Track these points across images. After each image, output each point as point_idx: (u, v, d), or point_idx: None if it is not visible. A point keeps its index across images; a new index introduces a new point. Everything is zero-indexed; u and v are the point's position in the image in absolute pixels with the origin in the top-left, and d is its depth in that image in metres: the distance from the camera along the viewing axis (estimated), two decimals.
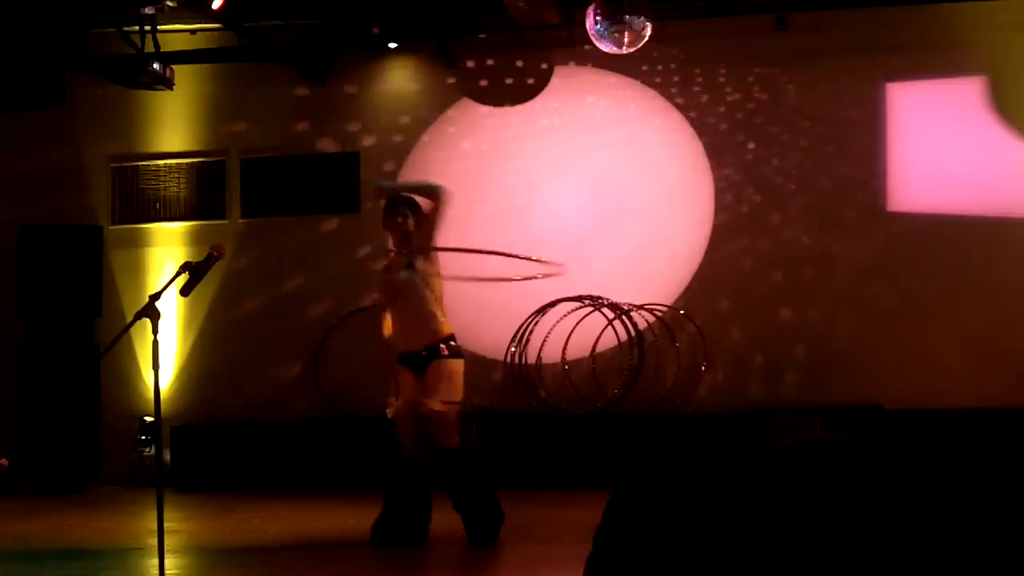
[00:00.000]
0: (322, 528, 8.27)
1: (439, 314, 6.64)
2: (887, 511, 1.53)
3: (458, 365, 6.67)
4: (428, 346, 6.59)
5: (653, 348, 11.06)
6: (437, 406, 6.50)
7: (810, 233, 11.26)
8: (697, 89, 11.53)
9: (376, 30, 11.12)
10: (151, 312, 4.90)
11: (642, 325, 11.04)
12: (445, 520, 6.84)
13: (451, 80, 11.90)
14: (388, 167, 11.83)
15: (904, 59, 11.10)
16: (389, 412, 6.71)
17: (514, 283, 11.29)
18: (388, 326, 6.79)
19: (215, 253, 5.26)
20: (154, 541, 5.28)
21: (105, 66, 10.59)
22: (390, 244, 7.15)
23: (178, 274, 5.06)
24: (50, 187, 12.24)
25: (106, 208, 12.35)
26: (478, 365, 11.29)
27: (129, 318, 5.10)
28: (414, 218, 6.73)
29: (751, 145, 11.41)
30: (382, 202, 7.08)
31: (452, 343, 6.67)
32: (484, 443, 10.63)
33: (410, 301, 6.60)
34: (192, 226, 12.19)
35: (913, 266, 11.00)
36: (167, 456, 11.22)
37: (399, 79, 12.06)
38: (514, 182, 11.70)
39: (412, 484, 6.69)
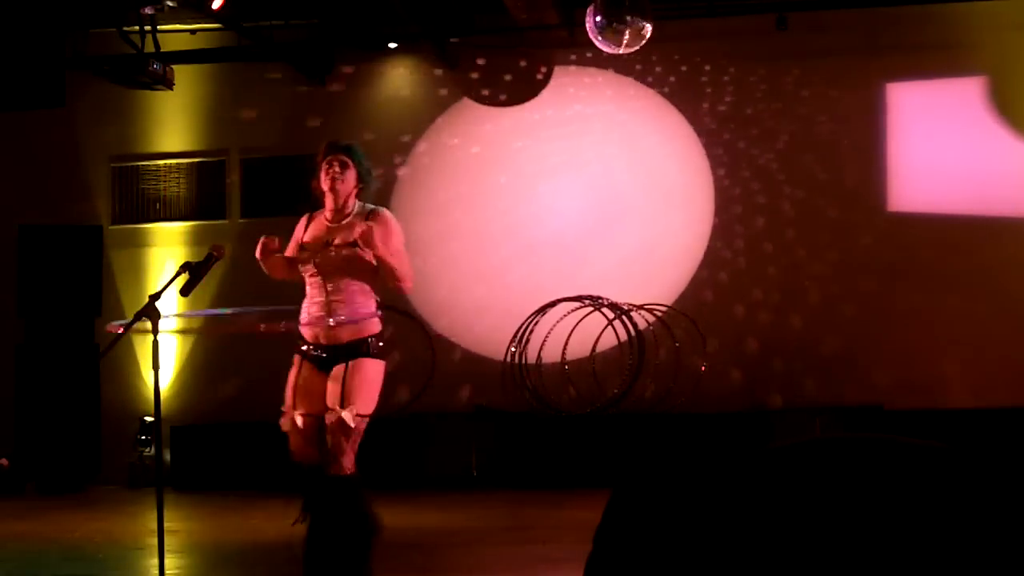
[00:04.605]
0: None
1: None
2: (887, 511, 1.53)
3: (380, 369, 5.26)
4: (352, 341, 5.16)
5: (653, 348, 11.05)
6: (350, 419, 5.09)
7: (810, 233, 11.26)
8: (697, 89, 11.53)
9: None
10: (151, 312, 4.89)
11: (642, 325, 11.04)
12: (445, 520, 6.83)
13: (451, 80, 11.90)
14: (388, 167, 11.83)
15: (904, 59, 11.10)
16: (287, 424, 5.46)
17: (514, 283, 11.30)
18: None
19: (215, 253, 5.24)
20: (154, 541, 5.27)
21: (105, 66, 10.59)
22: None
23: (178, 274, 5.05)
24: (50, 187, 12.24)
25: (106, 208, 12.35)
26: (478, 365, 11.30)
27: (129, 318, 5.08)
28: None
29: (751, 145, 11.41)
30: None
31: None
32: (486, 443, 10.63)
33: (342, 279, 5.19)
34: (192, 226, 12.19)
35: (913, 266, 11.00)
36: (167, 456, 11.21)
37: (399, 79, 12.06)
38: (514, 182, 11.70)
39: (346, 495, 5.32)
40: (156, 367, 4.91)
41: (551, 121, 11.70)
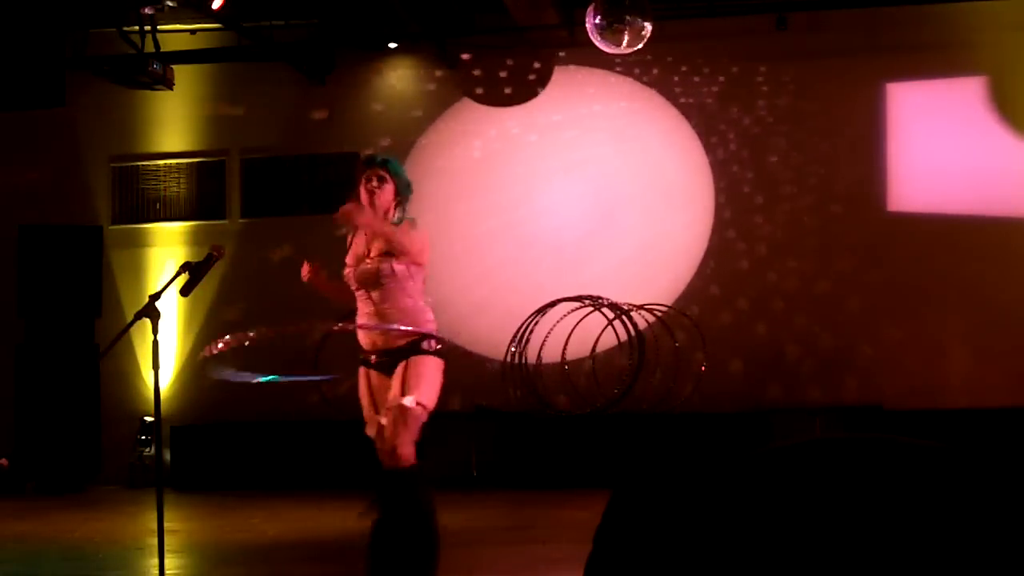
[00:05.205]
0: (322, 528, 8.28)
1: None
2: (887, 511, 1.53)
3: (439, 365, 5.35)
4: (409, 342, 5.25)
5: (653, 348, 11.05)
6: (410, 403, 5.14)
7: (810, 233, 11.26)
8: (697, 89, 11.53)
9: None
10: (151, 312, 4.89)
11: (642, 325, 11.04)
12: (445, 520, 6.81)
13: (451, 80, 11.90)
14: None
15: (904, 59, 11.10)
16: (373, 430, 5.30)
17: (513, 283, 11.30)
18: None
19: (215, 253, 5.24)
20: (154, 541, 5.28)
21: (105, 66, 10.59)
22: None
23: (178, 274, 5.05)
24: (50, 187, 12.24)
25: (106, 208, 12.35)
26: (478, 365, 11.29)
27: (129, 318, 5.08)
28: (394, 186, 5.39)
29: (751, 145, 11.41)
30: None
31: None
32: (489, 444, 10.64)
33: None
34: (192, 226, 12.19)
35: (913, 266, 11.00)
36: (167, 456, 11.21)
37: (399, 79, 12.06)
38: (514, 182, 11.70)
39: (416, 497, 5.26)
40: (156, 367, 4.92)
41: (551, 121, 11.70)
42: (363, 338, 5.34)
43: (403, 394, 5.14)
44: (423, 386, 5.19)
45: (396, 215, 5.36)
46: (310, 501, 9.74)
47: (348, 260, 5.41)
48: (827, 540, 1.54)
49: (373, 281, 5.25)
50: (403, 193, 5.40)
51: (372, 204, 5.32)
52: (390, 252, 5.21)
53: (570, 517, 7.69)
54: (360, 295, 5.34)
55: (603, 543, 1.68)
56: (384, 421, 5.22)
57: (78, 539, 8.01)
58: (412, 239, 5.26)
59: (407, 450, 5.14)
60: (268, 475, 10.95)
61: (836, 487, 1.56)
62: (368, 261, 5.29)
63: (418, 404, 5.14)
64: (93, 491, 11.28)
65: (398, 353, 5.22)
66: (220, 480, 10.98)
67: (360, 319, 5.35)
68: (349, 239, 5.52)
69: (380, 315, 5.26)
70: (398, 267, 5.22)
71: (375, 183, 5.33)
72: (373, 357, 5.32)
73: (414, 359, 5.20)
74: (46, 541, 7.87)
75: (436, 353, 5.26)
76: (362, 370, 5.40)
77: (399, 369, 5.23)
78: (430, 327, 5.31)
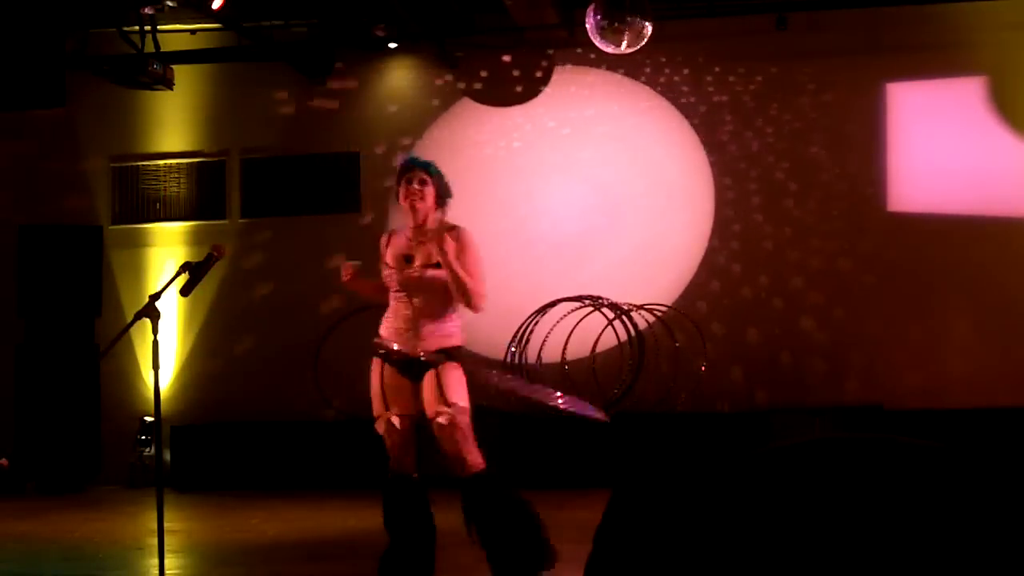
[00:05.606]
0: (322, 528, 8.28)
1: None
2: (887, 511, 1.53)
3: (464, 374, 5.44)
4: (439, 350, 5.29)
5: (653, 348, 11.05)
6: (459, 413, 5.23)
7: (810, 233, 11.26)
8: (697, 89, 11.53)
9: (382, 32, 11.03)
10: (151, 312, 4.89)
11: (642, 325, 11.03)
12: (445, 520, 6.80)
13: (451, 80, 11.90)
14: (388, 167, 11.84)
15: (904, 59, 11.10)
16: (382, 427, 5.34)
17: (514, 283, 11.30)
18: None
19: (215, 253, 5.24)
20: (154, 541, 5.28)
21: (105, 66, 10.59)
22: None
23: (178, 274, 5.05)
24: (50, 187, 12.24)
25: (106, 208, 12.35)
26: (478, 365, 11.28)
27: (129, 318, 5.08)
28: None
29: (751, 145, 11.42)
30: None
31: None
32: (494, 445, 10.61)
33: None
34: (192, 226, 12.19)
35: (913, 266, 11.00)
36: (167, 456, 11.21)
37: (399, 79, 12.06)
38: (514, 182, 11.70)
39: (416, 509, 5.46)
40: (156, 367, 4.92)
41: (551, 121, 11.71)
42: (392, 334, 5.32)
43: (442, 403, 5.19)
44: (459, 391, 5.29)
45: (436, 220, 5.35)
46: (310, 501, 9.74)
47: (388, 260, 5.37)
48: (827, 540, 1.54)
49: (416, 288, 5.27)
50: (444, 196, 5.40)
51: (413, 208, 5.30)
52: (436, 264, 5.22)
53: (570, 517, 7.68)
54: (398, 296, 5.33)
55: (603, 543, 1.69)
56: (396, 421, 5.28)
57: (78, 539, 8.01)
58: (462, 251, 5.28)
59: (475, 457, 5.33)
60: (268, 475, 10.95)
61: (836, 487, 1.56)
62: (414, 269, 5.27)
63: (461, 408, 5.27)
64: (93, 491, 11.28)
65: (427, 361, 5.25)
66: (220, 480, 10.98)
67: (392, 320, 5.34)
68: (385, 238, 5.47)
69: (414, 320, 5.27)
70: (441, 275, 5.23)
71: (416, 186, 5.31)
72: (395, 354, 5.29)
73: (443, 366, 5.26)
74: (46, 541, 7.87)
75: (458, 361, 5.36)
76: (377, 363, 5.37)
77: (429, 376, 5.25)
78: (459, 339, 5.37)
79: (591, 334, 11.02)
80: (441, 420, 5.18)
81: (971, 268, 10.88)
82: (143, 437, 11.64)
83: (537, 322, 11.07)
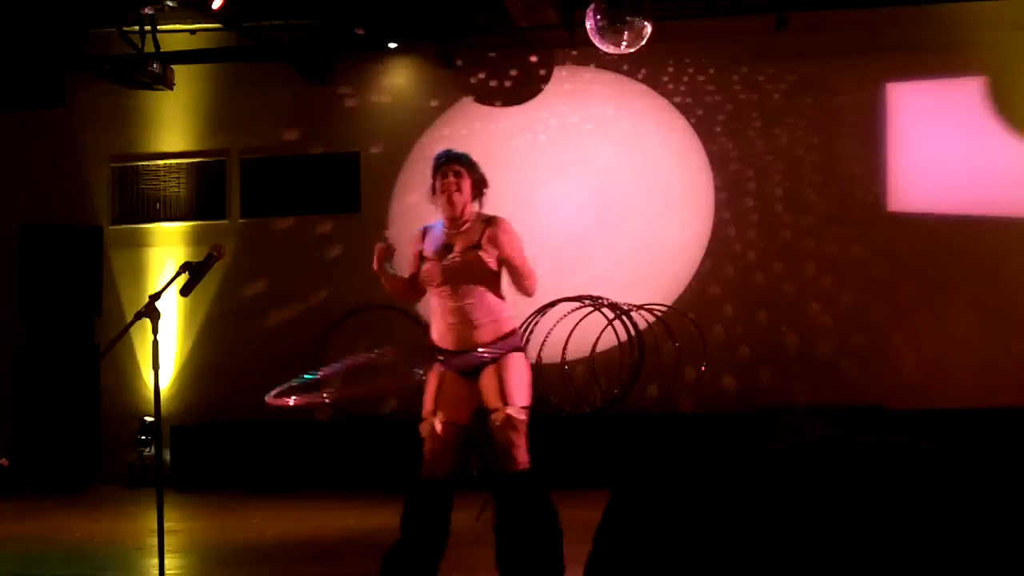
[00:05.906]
0: (322, 528, 8.28)
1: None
2: (886, 511, 1.53)
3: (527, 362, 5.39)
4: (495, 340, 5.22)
5: (653, 348, 11.05)
6: (517, 413, 5.21)
7: (810, 233, 11.26)
8: (696, 89, 11.53)
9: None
10: (151, 312, 4.89)
11: (642, 325, 11.04)
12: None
13: (451, 80, 11.90)
14: (388, 167, 11.84)
15: (904, 59, 11.10)
16: (426, 430, 5.24)
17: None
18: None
19: (215, 253, 5.24)
20: (154, 541, 5.28)
21: (105, 66, 10.59)
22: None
23: (178, 274, 5.05)
24: (50, 187, 12.24)
25: (106, 208, 12.35)
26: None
27: (129, 318, 5.08)
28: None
29: (750, 145, 11.41)
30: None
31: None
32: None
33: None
34: (192, 226, 12.19)
35: (913, 266, 11.00)
36: (167, 456, 11.21)
37: (399, 79, 12.06)
38: (514, 182, 11.68)
39: (436, 515, 5.32)
40: (156, 367, 4.91)
41: (551, 121, 11.71)
42: (444, 334, 5.21)
43: (502, 402, 5.16)
44: (520, 387, 5.25)
45: (472, 212, 5.30)
46: (310, 501, 9.74)
47: (427, 253, 5.26)
48: (827, 540, 1.54)
49: (460, 277, 5.15)
50: (480, 188, 5.38)
51: (451, 201, 5.25)
52: (476, 246, 5.15)
53: (570, 517, 7.68)
54: (441, 292, 5.19)
55: (603, 543, 1.69)
56: (439, 427, 5.20)
57: (78, 539, 8.01)
58: (508, 237, 5.22)
59: (523, 455, 5.31)
60: (268, 475, 10.95)
61: (836, 487, 1.56)
62: (456, 254, 5.17)
63: (522, 408, 5.23)
64: (93, 491, 11.29)
65: (486, 364, 5.18)
66: (220, 480, 10.99)
67: (441, 319, 5.22)
68: (419, 233, 5.40)
69: (462, 312, 5.17)
70: (488, 259, 5.16)
71: (452, 179, 5.28)
72: (453, 356, 5.20)
73: (504, 359, 5.19)
74: (46, 541, 7.87)
75: (522, 349, 5.31)
76: (438, 369, 5.28)
77: (489, 375, 5.18)
78: (512, 324, 5.30)
79: (591, 334, 11.02)
80: (501, 417, 5.15)
81: (971, 269, 10.88)
82: (143, 437, 11.65)
83: (537, 322, 11.07)
